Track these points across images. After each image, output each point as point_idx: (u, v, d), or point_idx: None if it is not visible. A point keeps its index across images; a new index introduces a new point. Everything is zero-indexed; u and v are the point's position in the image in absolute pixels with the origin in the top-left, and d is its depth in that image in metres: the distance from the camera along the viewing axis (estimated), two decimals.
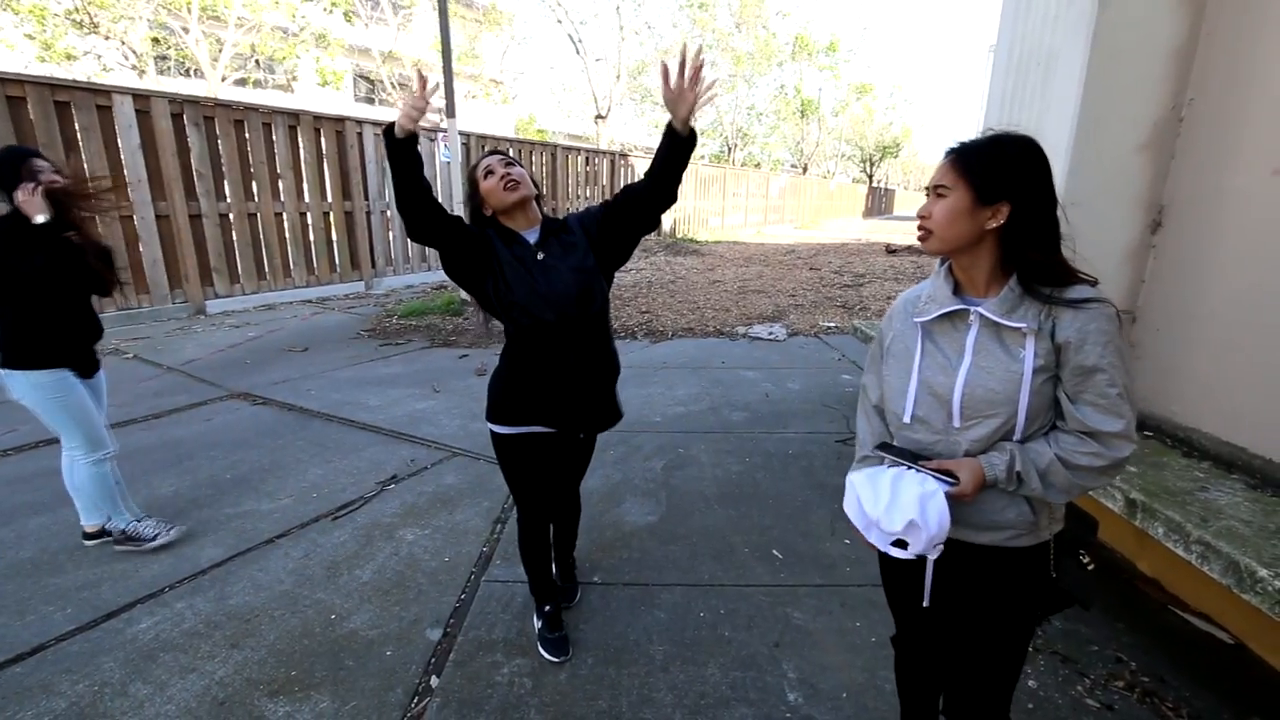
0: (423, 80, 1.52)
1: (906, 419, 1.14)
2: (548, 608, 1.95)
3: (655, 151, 1.67)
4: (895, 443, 1.22)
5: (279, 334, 5.98)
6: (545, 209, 1.86)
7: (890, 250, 13.77)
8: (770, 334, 6.28)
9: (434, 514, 2.74)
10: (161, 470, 3.12)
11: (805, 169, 32.41)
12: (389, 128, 1.52)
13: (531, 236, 1.71)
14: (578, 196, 12.52)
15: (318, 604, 2.16)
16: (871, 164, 43.29)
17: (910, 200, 61.79)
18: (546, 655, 1.90)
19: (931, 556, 1.06)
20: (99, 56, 12.36)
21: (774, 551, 2.50)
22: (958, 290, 1.11)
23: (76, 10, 11.59)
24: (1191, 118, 2.40)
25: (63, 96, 5.60)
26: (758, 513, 2.81)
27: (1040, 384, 1.02)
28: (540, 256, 1.68)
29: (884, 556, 1.27)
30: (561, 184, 11.89)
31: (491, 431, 1.80)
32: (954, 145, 1.07)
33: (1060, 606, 1.14)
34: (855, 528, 1.16)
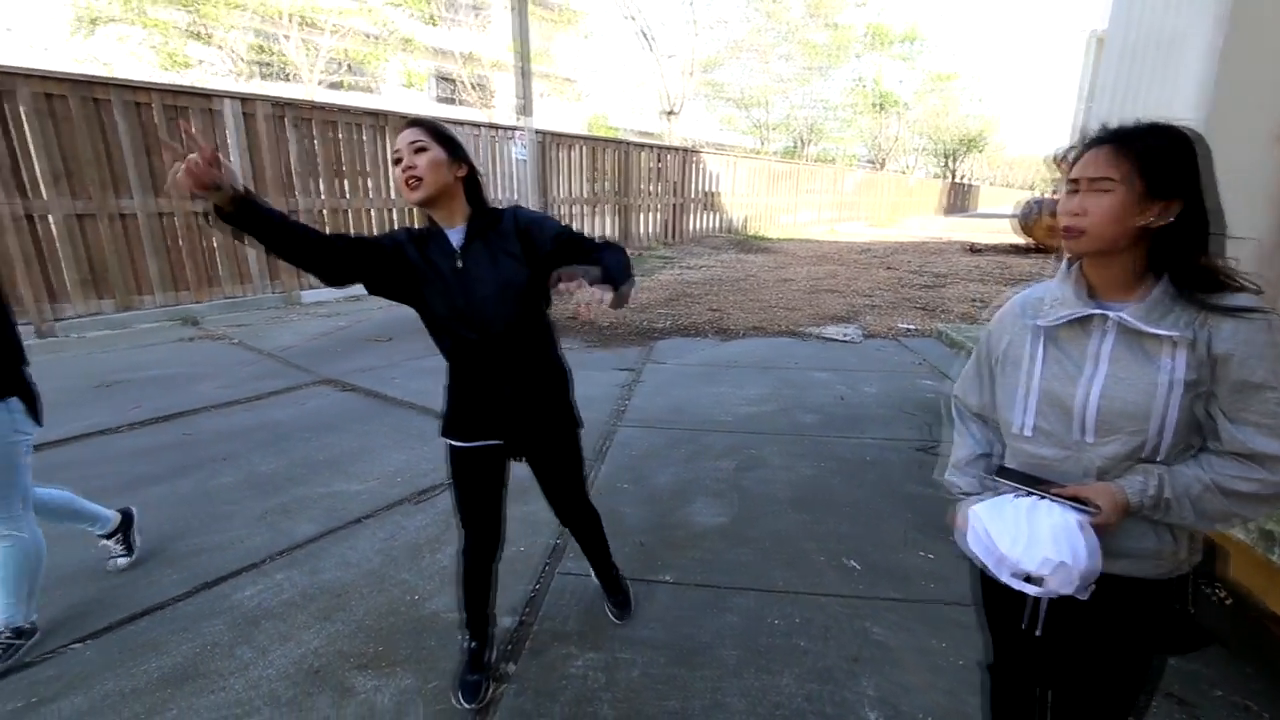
0: (190, 141, 1.25)
1: (1026, 431, 1.06)
2: (472, 644, 1.77)
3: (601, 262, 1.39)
4: (1008, 461, 1.14)
5: (364, 324, 6.31)
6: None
7: (973, 249, 13.09)
8: (844, 335, 6.09)
9: (508, 504, 2.80)
10: (262, 450, 3.34)
11: (882, 164, 31.25)
12: (208, 214, 1.28)
13: (456, 236, 1.49)
14: (648, 193, 12.54)
15: (401, 584, 2.25)
16: (952, 158, 41.25)
17: (994, 196, 58.41)
18: (459, 700, 1.70)
19: (1081, 597, 0.97)
20: (210, 64, 13.39)
21: (850, 561, 2.42)
22: (1090, 293, 1.03)
23: (193, 23, 12.59)
24: None
25: (179, 101, 6.10)
26: (832, 520, 2.73)
27: (1189, 399, 0.92)
28: (460, 264, 1.47)
29: (984, 576, 1.20)
30: (633, 180, 11.94)
31: (446, 444, 1.66)
32: (1105, 133, 0.97)
33: (1197, 646, 1.04)
34: (980, 561, 1.07)
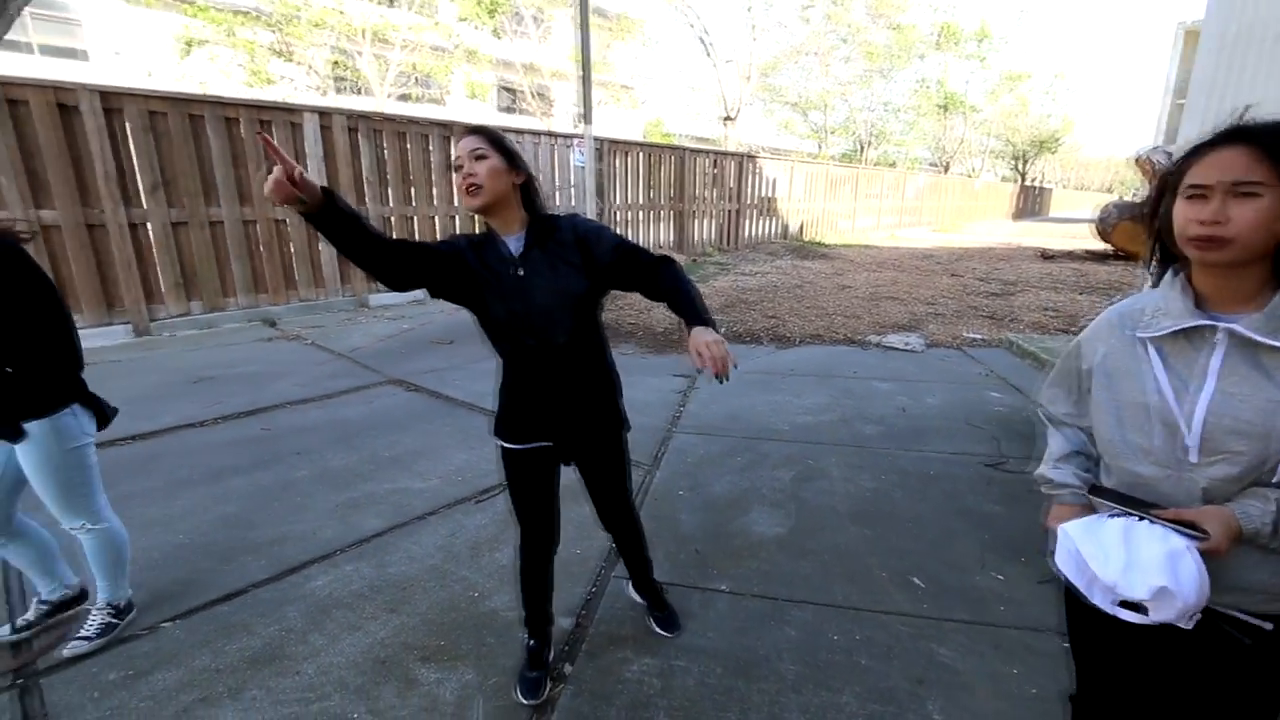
0: (271, 148, 1.23)
1: (1122, 447, 1.00)
2: (532, 642, 1.83)
3: (667, 291, 1.50)
4: (1103, 479, 1.08)
5: (428, 327, 6.54)
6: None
7: (1046, 255, 12.44)
8: (906, 344, 5.90)
9: (564, 506, 2.84)
10: (333, 446, 3.50)
11: (947, 168, 30.15)
12: (306, 212, 1.29)
13: (514, 243, 1.51)
14: (704, 199, 12.51)
15: (463, 580, 2.32)
16: (1024, 160, 39.39)
17: (1068, 200, 55.46)
18: (519, 695, 1.75)
19: (1185, 627, 0.90)
20: (291, 80, 14.21)
21: (914, 579, 2.34)
22: (1197, 303, 0.96)
23: (276, 42, 13.41)
24: None
25: (265, 116, 6.50)
26: (895, 535, 2.64)
27: None
28: (520, 272, 1.49)
29: (1071, 600, 1.13)
30: (689, 186, 11.95)
31: (499, 446, 1.70)
32: (1239, 131, 0.89)
33: None
34: (1071, 582, 1.01)
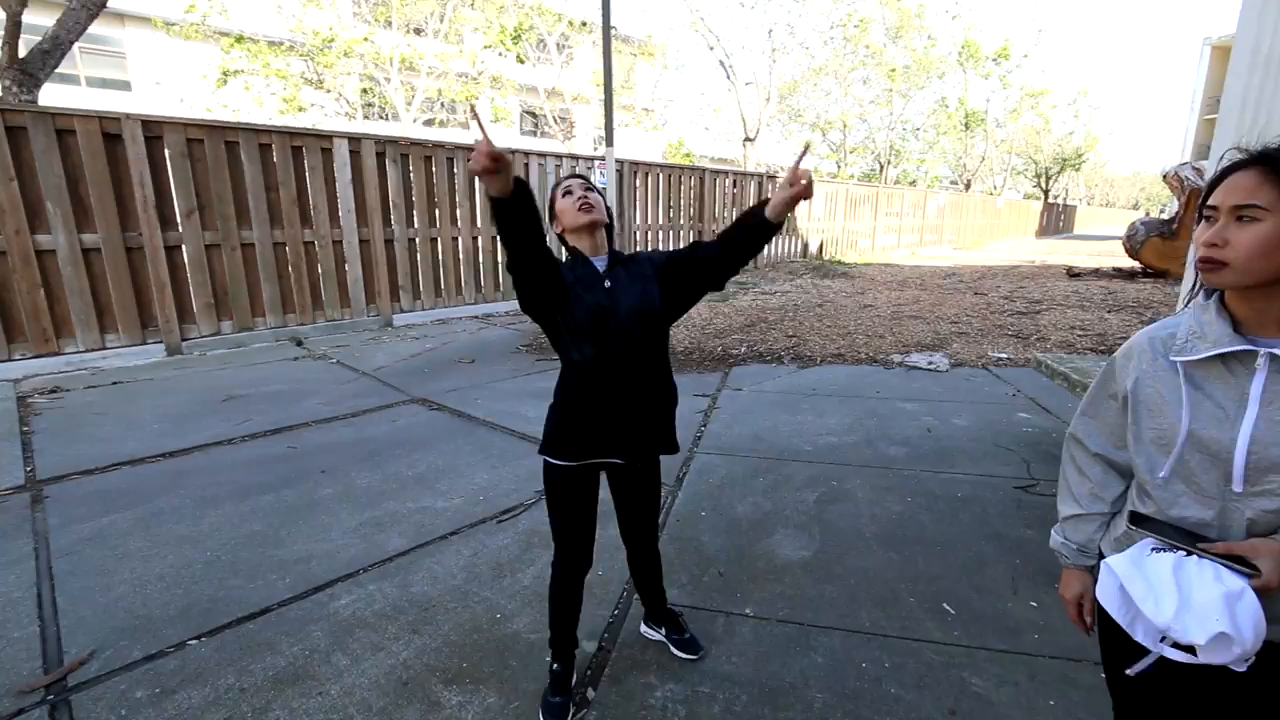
0: (477, 120, 1.38)
1: (1161, 479, 0.97)
2: (557, 666, 1.83)
3: (735, 226, 1.64)
4: (1139, 507, 1.05)
5: (451, 346, 6.62)
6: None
7: (1072, 273, 12.23)
8: (930, 363, 5.81)
9: None
10: (358, 464, 3.54)
11: (968, 185, 29.94)
12: (499, 200, 1.41)
13: (599, 264, 1.70)
14: (725, 219, 12.57)
15: (485, 602, 2.31)
16: (1047, 178, 38.99)
17: (1093, 217, 54.64)
18: (540, 718, 1.76)
19: (1239, 669, 0.86)
20: (322, 107, 14.66)
21: (945, 605, 2.28)
22: (1235, 327, 0.94)
23: (306, 70, 13.88)
24: None
25: (297, 142, 6.70)
26: (923, 559, 2.58)
27: None
28: (607, 284, 1.65)
29: (1108, 632, 1.09)
30: (709, 206, 12.01)
31: (547, 464, 1.74)
32: (1248, 154, 0.89)
33: None
34: (1114, 618, 0.97)
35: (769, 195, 1.56)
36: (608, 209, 1.75)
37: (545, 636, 2.09)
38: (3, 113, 5.06)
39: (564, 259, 1.70)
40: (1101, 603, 1.00)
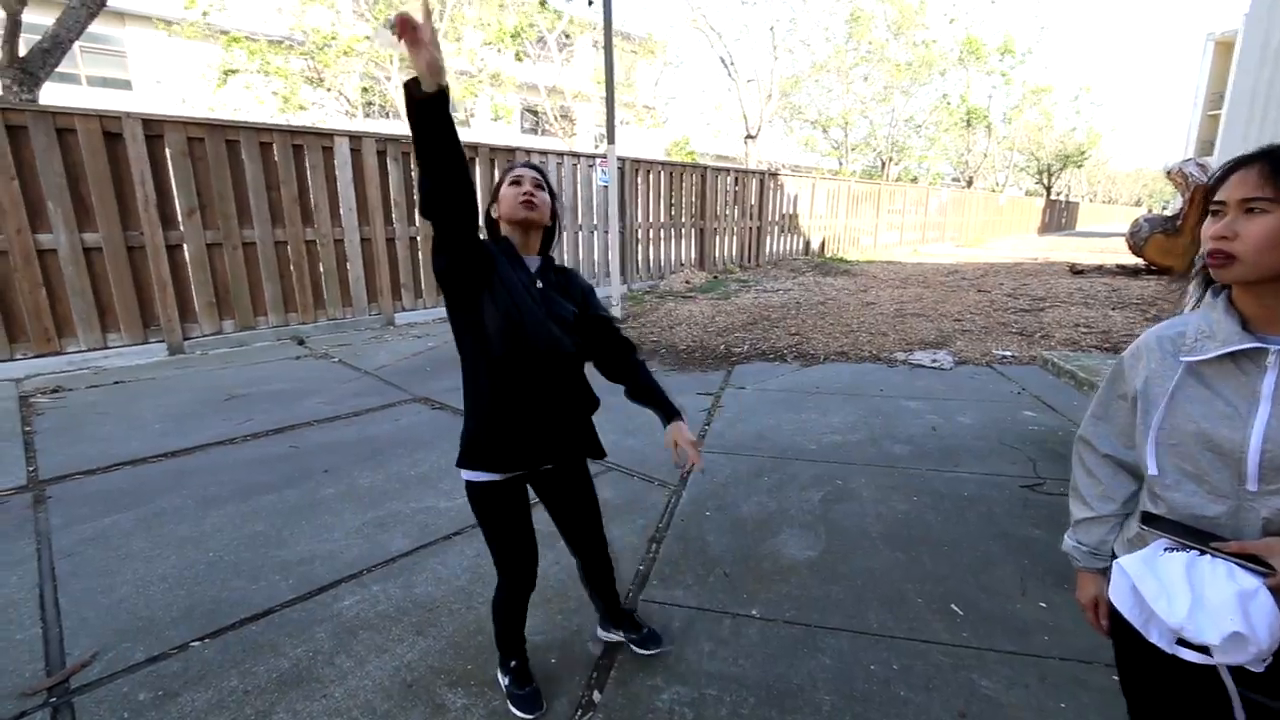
0: (405, 21, 1.18)
1: (1171, 479, 0.96)
2: (513, 662, 1.82)
3: (641, 379, 1.73)
4: (1150, 508, 1.03)
5: (451, 345, 6.57)
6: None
7: (1076, 270, 12.18)
8: (934, 361, 5.79)
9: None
10: (360, 464, 3.53)
11: (970, 182, 29.86)
12: (412, 84, 1.23)
13: (530, 264, 1.62)
14: (726, 216, 12.53)
15: (489, 603, 2.26)
16: (1049, 174, 38.89)
17: (1096, 214, 54.53)
18: (517, 712, 1.76)
19: (1256, 669, 0.86)
20: (322, 105, 14.63)
21: (952, 606, 2.26)
22: (1244, 325, 0.92)
23: (308, 69, 13.85)
24: None
25: (298, 140, 6.68)
26: (930, 559, 2.56)
27: None
28: (539, 285, 1.59)
29: (1121, 634, 1.07)
30: (710, 204, 11.98)
31: (470, 484, 1.64)
32: (1256, 151, 0.88)
33: None
34: (1127, 619, 0.97)
35: (674, 413, 1.69)
36: (553, 214, 1.68)
37: (549, 638, 2.10)
38: (3, 112, 5.04)
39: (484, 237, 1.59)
40: (1114, 603, 0.99)
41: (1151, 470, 1.02)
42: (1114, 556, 1.13)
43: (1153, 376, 1.02)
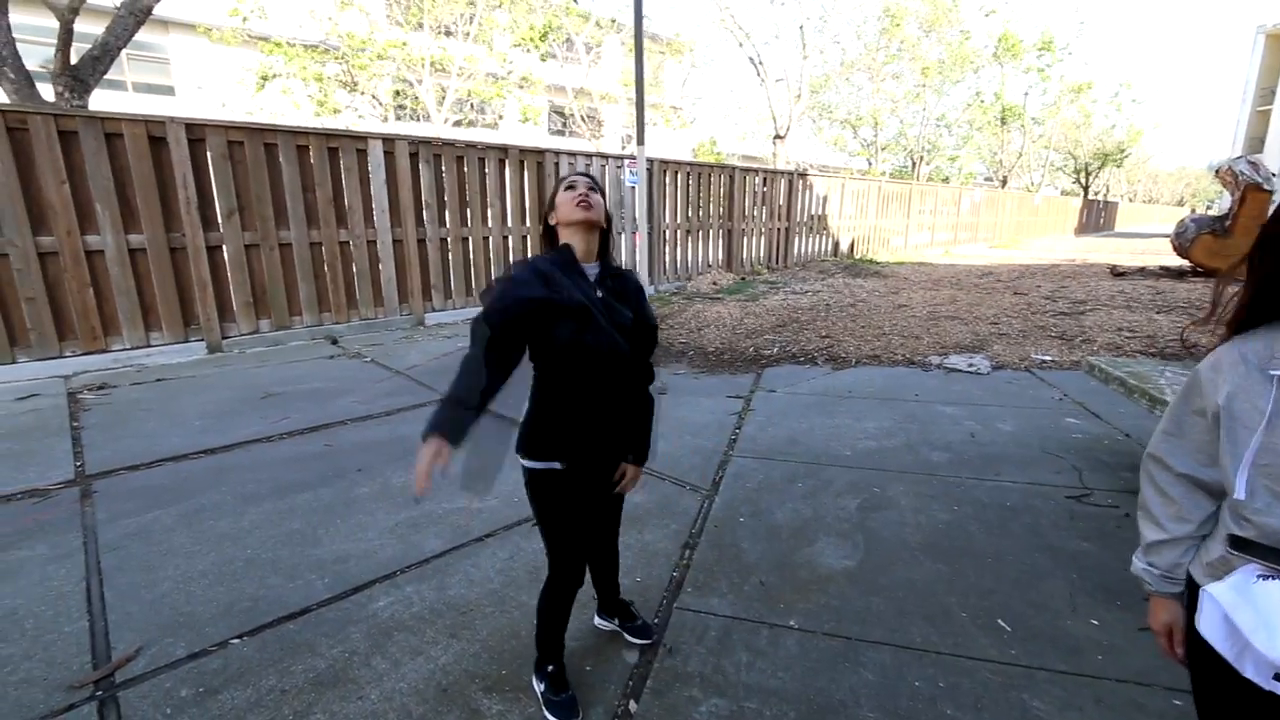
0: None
1: (1261, 501, 0.89)
2: (550, 667, 1.82)
3: (641, 408, 1.80)
4: (1236, 530, 0.96)
5: None
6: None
7: (1116, 272, 11.79)
8: (970, 365, 5.64)
9: (624, 532, 2.77)
10: (394, 463, 3.55)
11: (1004, 182, 29.18)
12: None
13: (590, 270, 1.68)
14: (754, 217, 12.42)
15: (522, 606, 2.28)
16: (1087, 173, 37.79)
17: (1136, 214, 52.87)
18: (553, 719, 1.76)
19: None
20: (356, 109, 14.90)
21: (999, 621, 2.18)
22: None
23: (343, 74, 14.12)
24: None
25: (333, 143, 6.79)
26: (974, 572, 2.48)
27: None
28: (599, 293, 1.65)
29: (1201, 662, 1.01)
30: (738, 204, 11.89)
31: (531, 471, 1.73)
32: None
33: None
34: (1219, 651, 0.91)
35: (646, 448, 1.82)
36: (606, 216, 1.73)
37: (583, 645, 2.07)
38: (56, 117, 5.22)
39: (541, 251, 1.71)
40: (1204, 634, 0.93)
41: (1240, 495, 0.95)
42: (1189, 581, 1.07)
43: (1237, 392, 0.95)
